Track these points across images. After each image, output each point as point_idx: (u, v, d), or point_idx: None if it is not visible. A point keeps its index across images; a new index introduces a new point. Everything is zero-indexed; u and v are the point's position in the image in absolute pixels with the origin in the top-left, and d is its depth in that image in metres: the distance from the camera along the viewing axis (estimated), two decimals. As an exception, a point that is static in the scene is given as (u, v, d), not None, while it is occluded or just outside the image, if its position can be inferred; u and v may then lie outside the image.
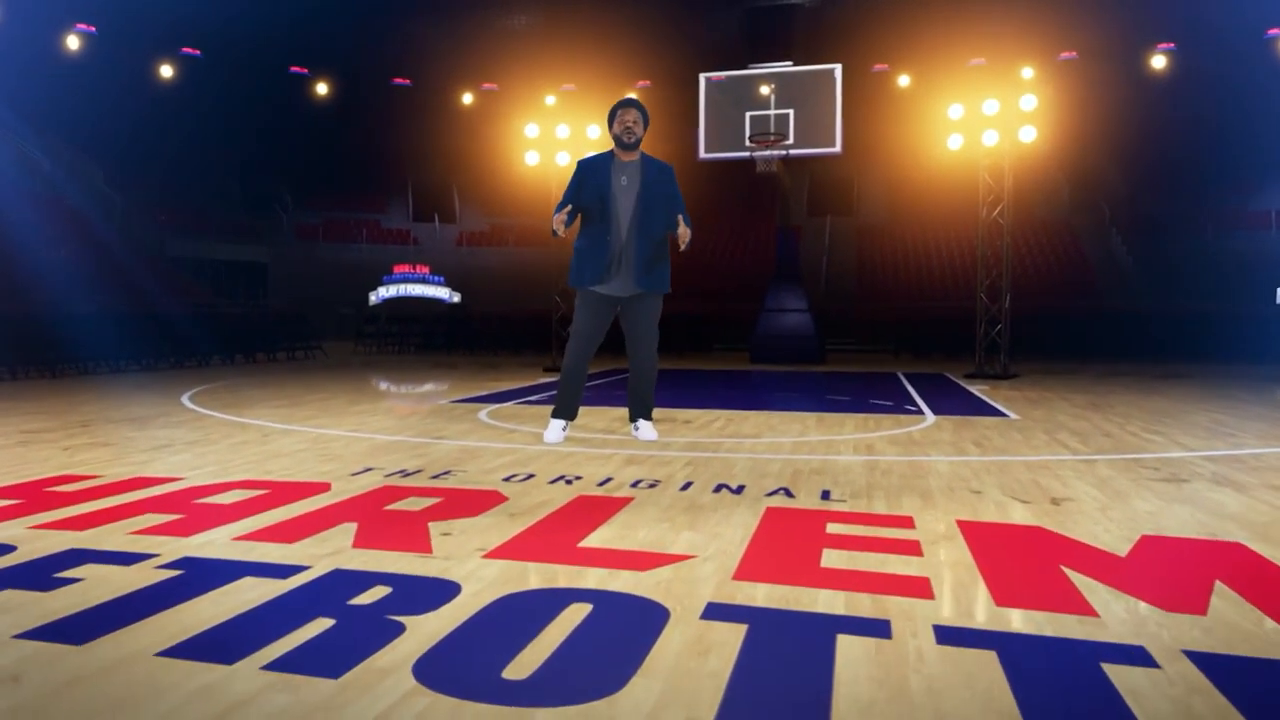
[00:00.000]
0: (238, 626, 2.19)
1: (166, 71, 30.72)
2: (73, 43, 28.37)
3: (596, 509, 3.50)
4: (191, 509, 3.55)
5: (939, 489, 3.90)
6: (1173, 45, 32.99)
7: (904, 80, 34.89)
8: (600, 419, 6.46)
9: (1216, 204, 27.52)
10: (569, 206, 5.00)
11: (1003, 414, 6.95)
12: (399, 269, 29.31)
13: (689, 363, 15.17)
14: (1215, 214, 27.19)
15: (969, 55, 32.56)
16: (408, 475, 4.23)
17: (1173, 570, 2.72)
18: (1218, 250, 25.72)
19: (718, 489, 3.88)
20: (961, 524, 3.23)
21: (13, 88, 24.93)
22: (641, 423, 5.33)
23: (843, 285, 27.54)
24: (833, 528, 3.19)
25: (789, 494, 3.77)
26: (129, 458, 4.79)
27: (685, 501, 3.62)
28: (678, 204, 5.15)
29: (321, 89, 33.48)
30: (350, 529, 3.17)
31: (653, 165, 5.14)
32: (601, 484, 4.01)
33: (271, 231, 31.32)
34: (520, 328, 18.46)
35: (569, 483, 4.04)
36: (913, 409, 7.32)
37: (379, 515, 3.41)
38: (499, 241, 32.15)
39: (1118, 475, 4.25)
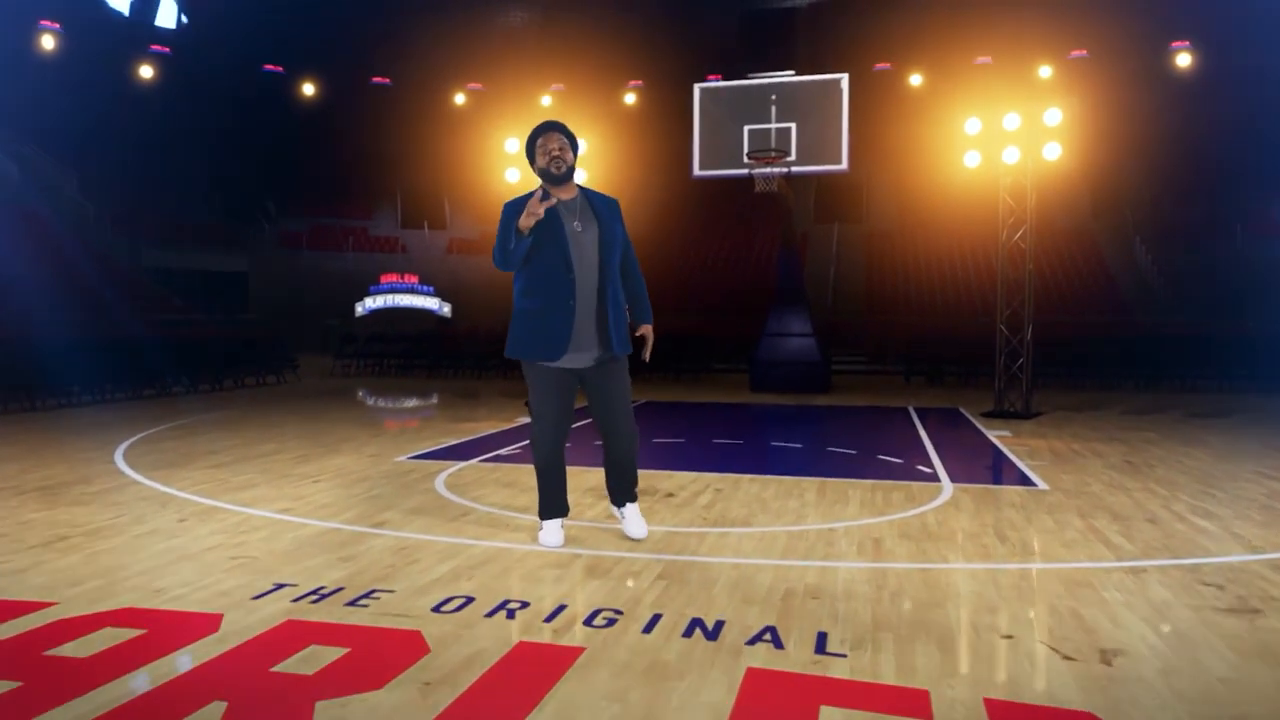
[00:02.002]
0: None
1: (136, 72, 30.17)
2: (45, 43, 27.86)
3: (535, 672, 2.89)
4: (33, 668, 2.94)
5: (961, 628, 3.29)
6: (1188, 43, 32.43)
7: (915, 79, 34.36)
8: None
9: (1246, 209, 26.85)
10: (551, 202, 4.13)
11: (1029, 480, 6.33)
12: (387, 278, 28.80)
13: (685, 391, 14.55)
14: (1245, 220, 26.52)
15: (980, 53, 32.03)
16: (322, 599, 3.63)
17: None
18: (1247, 259, 25.03)
19: (690, 629, 3.27)
20: (991, 707, 2.62)
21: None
22: (629, 510, 4.57)
23: (851, 295, 26.90)
24: (828, 716, 2.57)
25: (777, 642, 3.15)
26: (8, 560, 4.20)
27: (647, 657, 3.01)
28: (630, 249, 4.49)
29: (306, 90, 32.93)
30: (214, 717, 2.57)
31: (597, 198, 4.39)
32: (550, 618, 3.40)
33: (253, 240, 30.77)
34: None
35: (510, 615, 3.44)
36: (927, 471, 6.70)
37: (257, 688, 2.80)
38: (490, 249, 31.51)
39: (1175, 600, 3.63)
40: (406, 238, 33.02)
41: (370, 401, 13.12)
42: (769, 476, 6.45)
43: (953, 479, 6.36)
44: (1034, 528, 4.87)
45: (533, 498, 5.58)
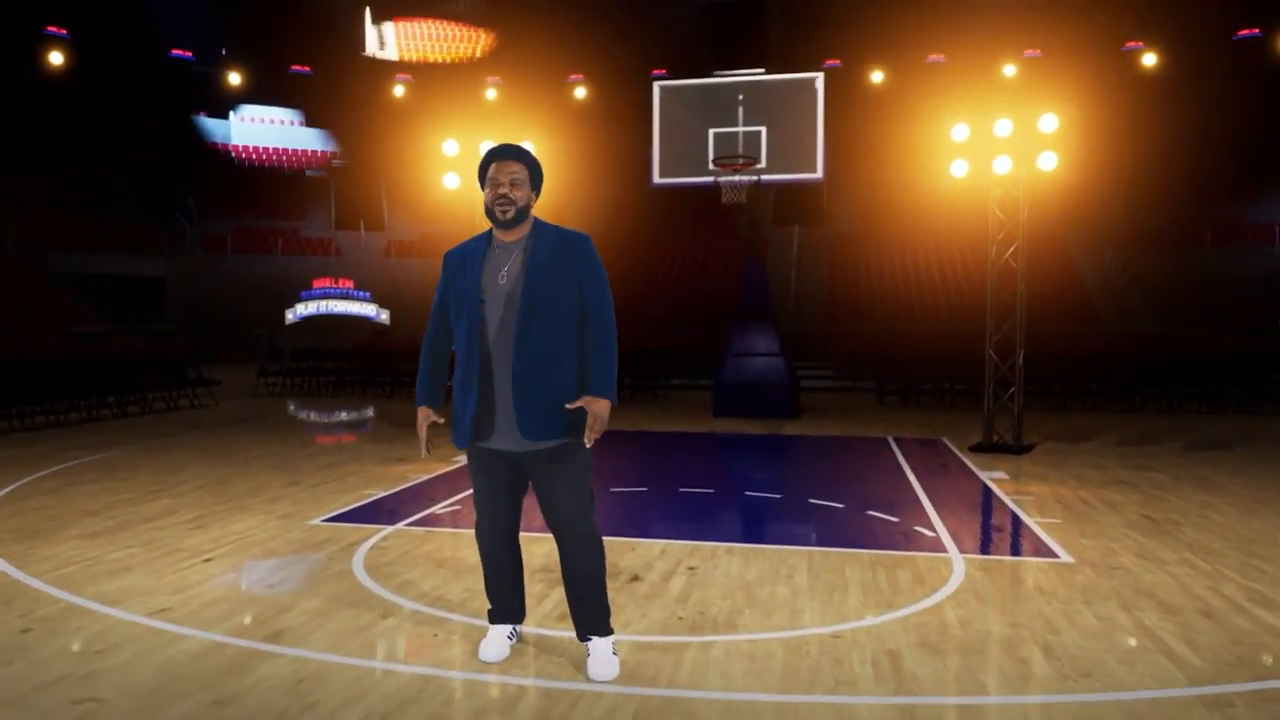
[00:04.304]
0: None
1: (37, 57, 28.50)
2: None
3: None
4: None
5: (1035, 826, 2.55)
6: (1140, 44, 32.69)
7: (877, 77, 34.11)
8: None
9: (1215, 217, 26.92)
10: (429, 421, 3.65)
11: (1048, 549, 5.64)
12: (319, 283, 27.76)
13: (643, 414, 13.79)
14: (1214, 228, 26.58)
15: (943, 51, 31.87)
16: (179, 783, 2.77)
17: None
18: (1216, 268, 25.03)
19: (677, 839, 2.48)
20: None
21: None
22: (595, 645, 3.61)
23: (813, 302, 26.38)
24: None
25: None
26: None
27: None
28: (597, 300, 3.48)
29: (222, 78, 31.40)
30: None
31: (546, 240, 3.48)
32: (487, 817, 2.59)
33: (172, 242, 29.29)
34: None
35: (434, 814, 2.62)
36: (929, 534, 6.00)
37: None
38: (432, 252, 30.42)
39: (1288, 759, 2.94)
40: (341, 239, 31.80)
41: (290, 434, 12.13)
42: (749, 547, 5.70)
43: (960, 547, 5.66)
44: (1076, 629, 4.16)
45: (471, 582, 4.82)
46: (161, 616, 4.33)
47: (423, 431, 3.65)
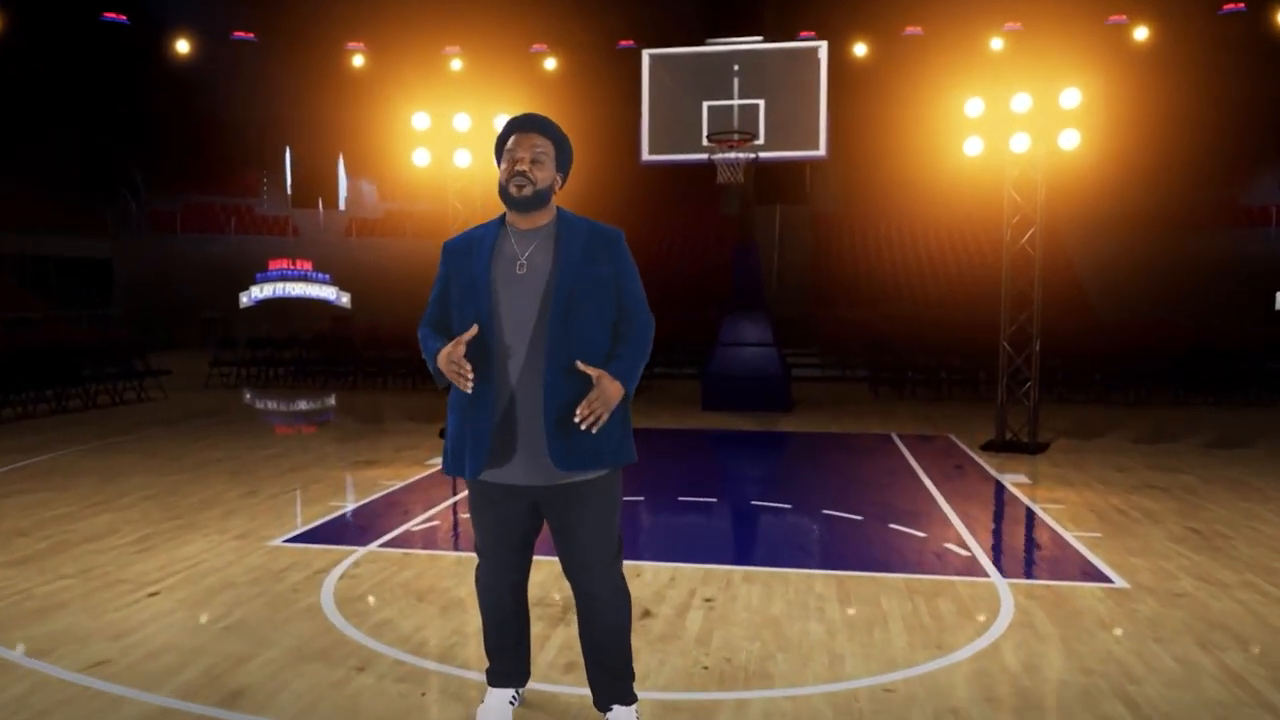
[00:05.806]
0: None
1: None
2: None
3: None
4: None
5: None
6: (1125, 18, 32.50)
7: (859, 49, 33.68)
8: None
9: (1208, 197, 26.81)
10: (466, 337, 2.88)
11: (1097, 571, 5.24)
12: (275, 264, 26.91)
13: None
14: (1206, 209, 26.47)
15: (926, 24, 31.50)
16: None
17: None
18: (1208, 251, 24.90)
19: None
20: None
21: None
22: (616, 716, 3.15)
23: (797, 285, 25.98)
24: None
25: None
26: None
27: None
28: (631, 301, 3.05)
29: (165, 45, 30.12)
30: None
31: (578, 231, 3.01)
32: None
33: (117, 220, 28.25)
34: (415, 347, 16.30)
35: None
36: (963, 553, 5.58)
37: None
38: (395, 232, 29.74)
39: None
40: (298, 218, 30.87)
41: (246, 432, 11.50)
42: (769, 571, 5.24)
43: (1001, 569, 5.25)
44: (1156, 676, 3.75)
45: (457, 622, 4.32)
46: (98, 672, 3.79)
47: (459, 354, 2.85)
